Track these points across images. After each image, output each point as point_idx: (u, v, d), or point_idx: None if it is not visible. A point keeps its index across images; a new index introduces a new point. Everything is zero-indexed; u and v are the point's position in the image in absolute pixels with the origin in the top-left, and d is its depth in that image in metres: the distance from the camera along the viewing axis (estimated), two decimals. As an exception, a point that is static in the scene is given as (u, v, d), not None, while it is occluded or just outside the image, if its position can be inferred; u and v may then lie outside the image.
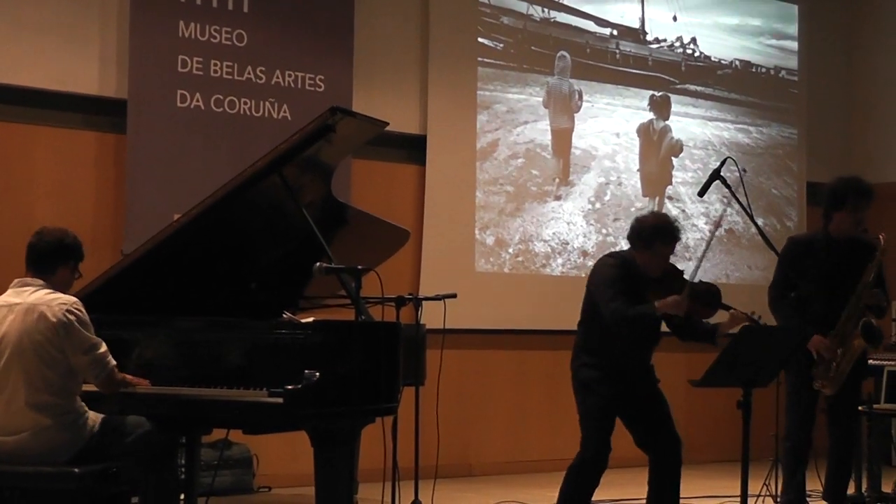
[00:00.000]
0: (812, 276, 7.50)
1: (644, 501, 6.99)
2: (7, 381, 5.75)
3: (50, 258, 5.94)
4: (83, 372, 5.81)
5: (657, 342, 6.92)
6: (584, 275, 10.59)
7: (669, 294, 6.64)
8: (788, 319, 7.46)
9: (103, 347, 5.82)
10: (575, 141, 11.37)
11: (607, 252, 7.51)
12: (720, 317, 6.89)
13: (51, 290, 5.85)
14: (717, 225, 7.07)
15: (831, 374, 7.36)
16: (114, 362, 5.86)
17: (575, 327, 7.05)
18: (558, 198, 11.17)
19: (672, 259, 6.97)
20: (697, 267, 6.92)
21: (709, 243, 6.91)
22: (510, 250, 10.88)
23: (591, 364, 6.78)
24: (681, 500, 7.01)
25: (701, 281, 6.92)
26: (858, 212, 7.52)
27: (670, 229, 6.81)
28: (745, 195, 7.31)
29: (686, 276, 6.84)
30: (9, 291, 5.93)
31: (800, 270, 7.56)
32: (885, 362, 8.41)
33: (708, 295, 6.78)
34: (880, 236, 7.49)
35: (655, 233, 6.77)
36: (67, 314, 5.74)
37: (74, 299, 5.86)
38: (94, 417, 5.90)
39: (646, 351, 6.92)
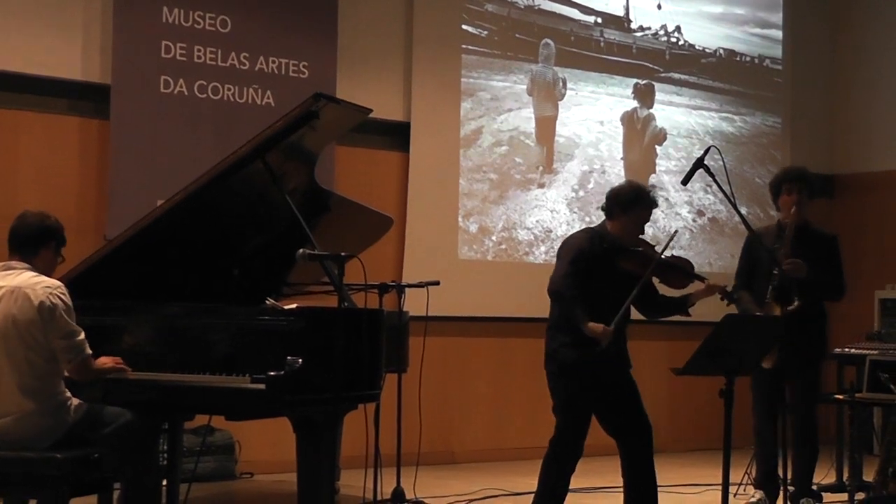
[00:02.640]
0: (764, 264, 7.74)
1: (621, 489, 7.00)
2: (-9, 364, 5.77)
3: (33, 240, 5.94)
4: (58, 355, 5.80)
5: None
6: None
7: (638, 266, 6.71)
8: (742, 308, 7.73)
9: (82, 335, 5.82)
10: (559, 129, 11.38)
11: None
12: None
13: (35, 274, 5.86)
14: (672, 237, 7.28)
15: None
16: (89, 352, 5.85)
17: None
18: (542, 185, 11.18)
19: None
20: (667, 244, 6.93)
21: (668, 243, 7.03)
22: (493, 238, 10.88)
23: (569, 343, 6.73)
24: (662, 488, 7.02)
25: (673, 255, 6.97)
26: (792, 194, 7.96)
27: (649, 195, 6.91)
28: (729, 184, 7.34)
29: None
30: None
31: (754, 261, 7.97)
32: (867, 352, 8.44)
33: (681, 266, 6.89)
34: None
35: (636, 198, 6.83)
36: (51, 297, 5.74)
37: (59, 283, 5.87)
38: (78, 405, 5.90)
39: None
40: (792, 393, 7.89)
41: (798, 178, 8.02)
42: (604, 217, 6.96)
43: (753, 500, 7.99)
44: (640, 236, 6.93)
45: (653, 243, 7.02)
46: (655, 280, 6.95)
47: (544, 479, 6.85)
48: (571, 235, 7.10)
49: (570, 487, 6.88)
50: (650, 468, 6.87)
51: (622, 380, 6.88)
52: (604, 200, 6.99)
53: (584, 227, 10.97)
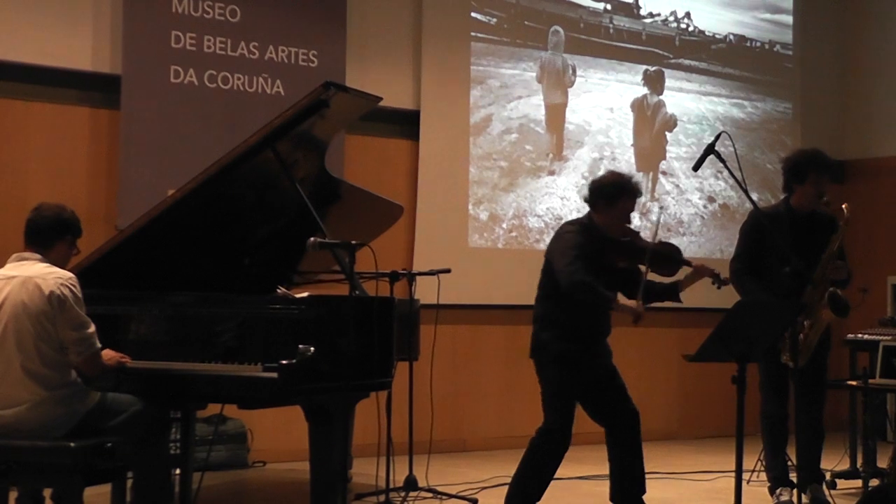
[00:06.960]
0: (774, 250, 7.48)
1: (606, 478, 7.02)
2: (2, 351, 5.78)
3: (48, 233, 5.98)
4: (68, 347, 5.81)
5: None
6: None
7: (627, 258, 6.75)
8: (751, 293, 7.53)
9: (92, 328, 5.84)
10: (568, 116, 11.36)
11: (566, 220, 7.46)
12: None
13: (48, 265, 5.89)
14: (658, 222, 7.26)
15: (800, 347, 7.35)
16: (99, 345, 5.87)
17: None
18: (552, 173, 11.16)
19: (664, 234, 6.98)
20: (656, 231, 6.89)
21: (657, 225, 6.98)
22: (504, 225, 10.88)
23: (561, 336, 6.73)
24: (675, 475, 7.02)
25: (660, 241, 6.94)
26: (820, 185, 7.66)
27: (632, 184, 6.84)
28: (740, 170, 7.33)
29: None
30: (7, 266, 5.96)
31: (762, 244, 7.63)
32: (880, 337, 8.41)
33: (670, 253, 6.87)
34: (843, 206, 7.56)
35: (620, 189, 6.77)
36: (62, 287, 5.77)
37: (70, 275, 5.89)
38: (91, 394, 5.92)
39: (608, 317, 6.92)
40: (802, 378, 7.78)
41: (829, 169, 7.76)
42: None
43: (784, 498, 7.71)
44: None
45: (637, 230, 7.00)
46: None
47: (526, 470, 6.83)
48: (564, 231, 6.90)
49: (557, 476, 6.87)
50: (639, 453, 6.89)
51: (609, 367, 6.91)
52: (587, 192, 6.92)
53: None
